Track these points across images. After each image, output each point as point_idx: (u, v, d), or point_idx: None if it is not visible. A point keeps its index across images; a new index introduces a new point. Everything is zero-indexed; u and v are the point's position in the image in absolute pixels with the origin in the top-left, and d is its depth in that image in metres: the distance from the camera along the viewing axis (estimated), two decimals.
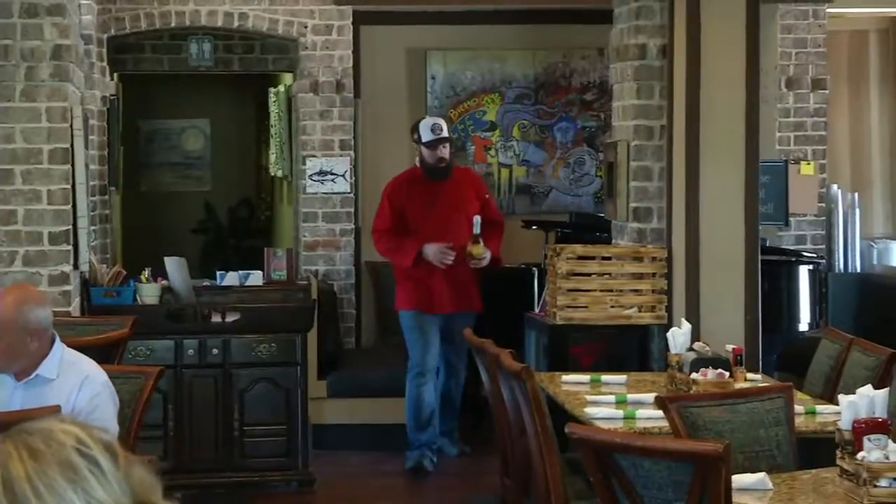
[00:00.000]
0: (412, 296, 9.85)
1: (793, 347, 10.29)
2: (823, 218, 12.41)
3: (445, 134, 9.87)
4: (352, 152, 11.91)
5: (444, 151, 9.81)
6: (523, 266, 11.51)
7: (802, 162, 12.33)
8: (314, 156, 11.84)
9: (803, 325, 10.89)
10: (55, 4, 8.29)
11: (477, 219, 9.57)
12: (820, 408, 6.53)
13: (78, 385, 5.42)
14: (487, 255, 9.67)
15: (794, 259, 11.21)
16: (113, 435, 2.11)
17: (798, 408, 6.21)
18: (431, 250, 9.66)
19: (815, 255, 11.62)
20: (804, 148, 12.58)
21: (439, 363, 9.97)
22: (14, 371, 5.48)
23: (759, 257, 8.74)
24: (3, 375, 5.51)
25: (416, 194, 9.86)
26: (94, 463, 1.93)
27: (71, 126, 8.43)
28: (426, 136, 9.79)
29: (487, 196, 10.14)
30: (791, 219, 11.92)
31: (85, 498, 1.91)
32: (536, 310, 9.87)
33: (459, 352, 9.88)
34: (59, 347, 5.54)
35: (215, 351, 9.01)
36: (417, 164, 10.00)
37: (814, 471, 5.40)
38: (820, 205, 12.38)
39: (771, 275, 10.10)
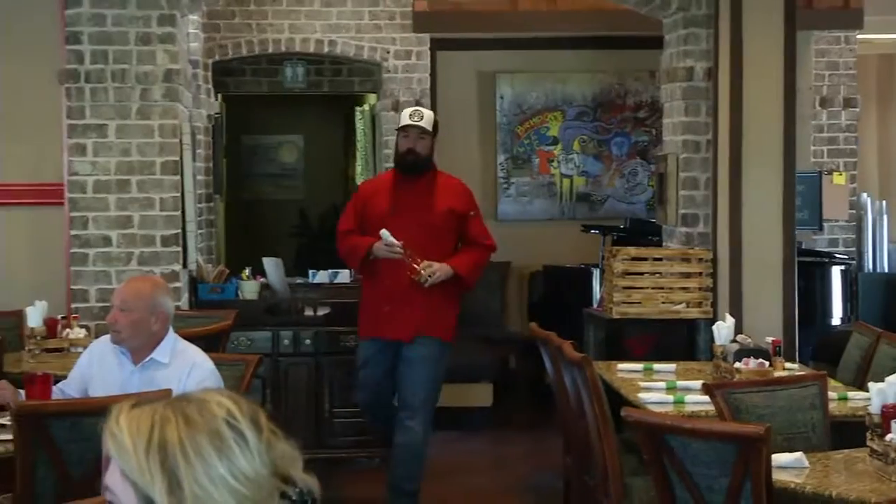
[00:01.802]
0: (367, 319, 7.67)
1: (826, 339, 10.21)
2: (854, 223, 12.31)
3: (423, 124, 7.60)
4: None
5: (417, 143, 7.56)
6: (583, 266, 11.48)
7: (835, 173, 12.24)
8: None
9: (836, 320, 10.81)
10: (167, 33, 8.35)
11: (383, 232, 7.37)
12: (851, 394, 6.46)
13: (187, 372, 5.46)
14: (434, 268, 7.40)
15: (827, 260, 11.13)
16: None
17: (831, 394, 6.15)
18: (379, 249, 7.45)
19: (846, 257, 11.53)
20: (836, 160, 12.49)
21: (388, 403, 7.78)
22: (132, 347, 5.54)
23: (796, 259, 8.67)
24: (124, 358, 5.57)
25: (382, 193, 7.65)
26: (240, 435, 1.95)
27: (180, 141, 8.48)
28: (402, 120, 7.71)
29: (472, 213, 7.70)
30: (824, 224, 11.84)
31: (228, 465, 1.93)
32: (595, 305, 9.83)
33: (414, 383, 7.50)
34: (173, 336, 5.60)
35: (308, 341, 9.03)
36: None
37: (846, 451, 5.35)
38: (851, 211, 12.29)
39: (806, 274, 10.02)
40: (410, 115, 7.64)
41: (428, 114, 7.72)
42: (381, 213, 7.52)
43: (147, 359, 5.52)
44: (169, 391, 5.16)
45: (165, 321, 5.53)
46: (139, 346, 5.54)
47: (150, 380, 5.47)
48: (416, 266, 7.37)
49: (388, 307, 7.50)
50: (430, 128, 7.62)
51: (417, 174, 7.60)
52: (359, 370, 7.74)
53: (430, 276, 7.38)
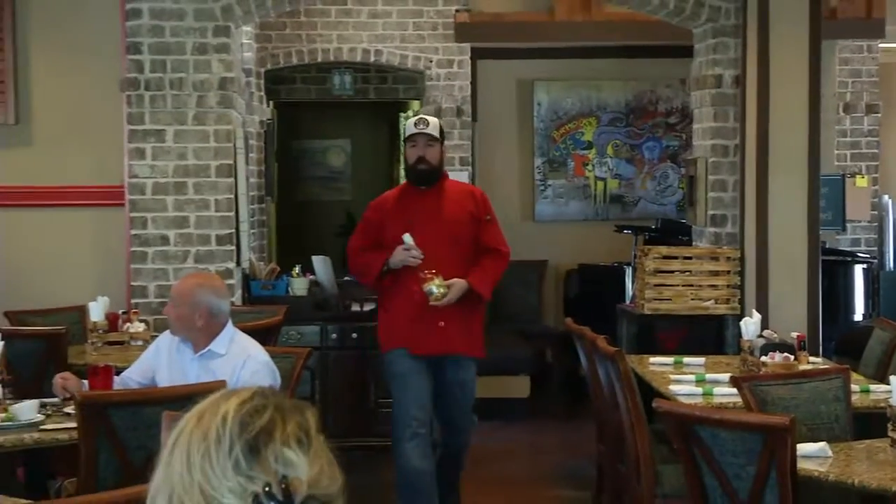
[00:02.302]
0: (395, 333, 6.98)
1: (849, 335, 10.17)
2: (875, 224, 12.25)
3: (430, 131, 6.97)
4: (470, 168, 11.91)
5: (426, 151, 6.94)
6: (616, 264, 11.46)
7: (857, 176, 12.18)
8: None
9: (858, 316, 10.77)
10: (221, 44, 8.38)
11: (406, 236, 6.83)
12: (873, 387, 6.44)
13: (241, 363, 5.49)
14: (446, 291, 6.79)
15: (849, 259, 11.08)
16: None
17: (854, 387, 6.13)
18: (397, 255, 6.87)
19: (868, 256, 11.47)
20: (859, 164, 12.42)
21: (434, 419, 7.20)
22: (187, 338, 5.59)
23: (820, 257, 8.64)
24: (185, 347, 5.63)
25: (397, 208, 7.02)
26: (217, 437, 1.89)
27: (234, 145, 8.51)
28: (407, 130, 7.04)
29: (488, 218, 7.06)
30: (847, 224, 11.78)
31: (200, 462, 1.88)
32: (627, 302, 9.81)
33: (462, 406, 7.09)
34: (231, 329, 5.63)
35: (354, 335, 9.06)
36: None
37: (868, 441, 5.33)
38: (872, 212, 12.23)
39: (830, 272, 9.98)
40: (416, 123, 7.01)
41: (433, 121, 7.09)
42: (401, 228, 6.86)
43: (206, 349, 5.58)
44: (223, 382, 5.21)
45: (209, 317, 5.53)
46: (194, 338, 5.59)
47: (207, 368, 5.53)
48: (427, 279, 6.74)
49: (410, 321, 6.89)
50: (437, 134, 7.00)
51: (430, 184, 7.01)
52: (397, 383, 6.98)
53: (442, 297, 6.76)
